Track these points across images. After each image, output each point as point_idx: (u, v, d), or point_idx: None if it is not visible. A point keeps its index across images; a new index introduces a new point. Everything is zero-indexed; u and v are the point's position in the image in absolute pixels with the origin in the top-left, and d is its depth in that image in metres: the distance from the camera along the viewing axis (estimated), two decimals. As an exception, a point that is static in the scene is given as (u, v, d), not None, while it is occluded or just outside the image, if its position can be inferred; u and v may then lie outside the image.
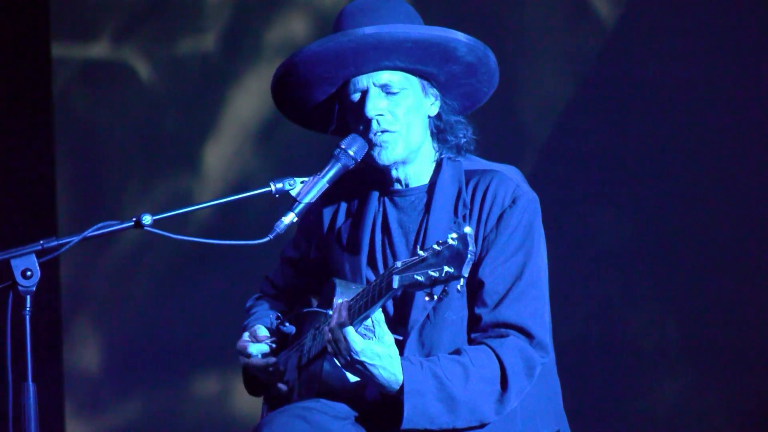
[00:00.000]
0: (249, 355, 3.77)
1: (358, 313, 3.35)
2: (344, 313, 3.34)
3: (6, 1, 6.59)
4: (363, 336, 3.39)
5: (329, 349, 3.40)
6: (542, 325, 3.52)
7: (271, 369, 3.75)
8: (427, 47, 3.57)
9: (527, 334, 3.49)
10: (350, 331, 3.33)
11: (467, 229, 3.06)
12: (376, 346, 3.32)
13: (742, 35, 5.86)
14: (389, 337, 3.32)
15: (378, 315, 3.29)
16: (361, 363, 3.33)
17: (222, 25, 6.54)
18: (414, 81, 3.63)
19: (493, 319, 3.50)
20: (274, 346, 3.77)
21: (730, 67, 5.87)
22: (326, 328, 3.42)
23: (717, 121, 5.89)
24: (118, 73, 6.58)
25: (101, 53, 6.59)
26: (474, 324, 3.53)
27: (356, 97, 3.62)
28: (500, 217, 3.55)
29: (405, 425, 3.36)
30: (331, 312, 3.51)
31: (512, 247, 3.53)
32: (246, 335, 3.82)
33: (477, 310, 3.52)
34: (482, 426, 3.45)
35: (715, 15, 5.88)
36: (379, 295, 3.27)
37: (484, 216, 3.56)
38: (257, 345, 3.78)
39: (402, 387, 3.35)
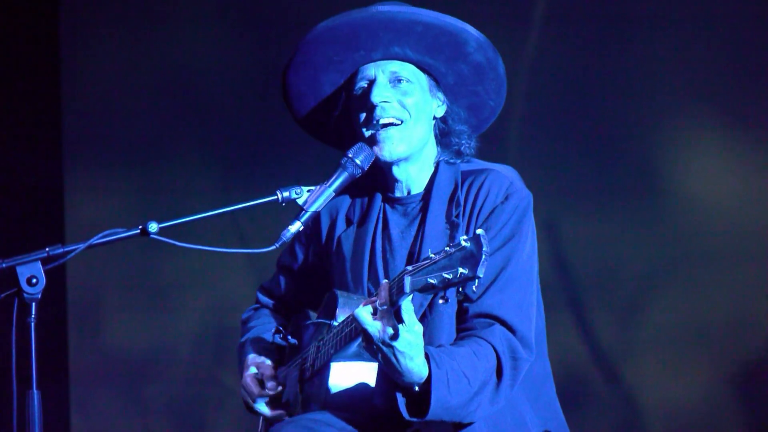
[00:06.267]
0: (255, 401, 3.77)
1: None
2: (384, 294, 3.21)
3: (15, 7, 6.60)
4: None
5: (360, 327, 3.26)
6: (526, 320, 3.49)
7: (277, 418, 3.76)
8: (438, 35, 3.59)
9: (509, 328, 3.47)
10: (407, 304, 3.20)
11: (480, 231, 3.05)
12: (407, 335, 3.22)
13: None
14: (419, 327, 3.25)
15: (407, 304, 3.22)
16: (392, 348, 3.22)
17: (233, 31, 6.54)
18: (422, 77, 3.65)
19: (476, 309, 3.48)
20: (280, 389, 3.76)
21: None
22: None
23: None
24: (127, 79, 6.58)
25: (110, 59, 6.60)
26: (460, 315, 3.52)
27: (363, 84, 3.65)
28: (491, 213, 3.55)
29: (429, 417, 3.30)
30: (336, 323, 3.49)
31: (499, 240, 3.52)
32: (253, 370, 3.80)
33: (463, 303, 3.51)
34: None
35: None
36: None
37: (476, 212, 3.57)
38: (263, 395, 3.76)
39: (428, 378, 3.28)
